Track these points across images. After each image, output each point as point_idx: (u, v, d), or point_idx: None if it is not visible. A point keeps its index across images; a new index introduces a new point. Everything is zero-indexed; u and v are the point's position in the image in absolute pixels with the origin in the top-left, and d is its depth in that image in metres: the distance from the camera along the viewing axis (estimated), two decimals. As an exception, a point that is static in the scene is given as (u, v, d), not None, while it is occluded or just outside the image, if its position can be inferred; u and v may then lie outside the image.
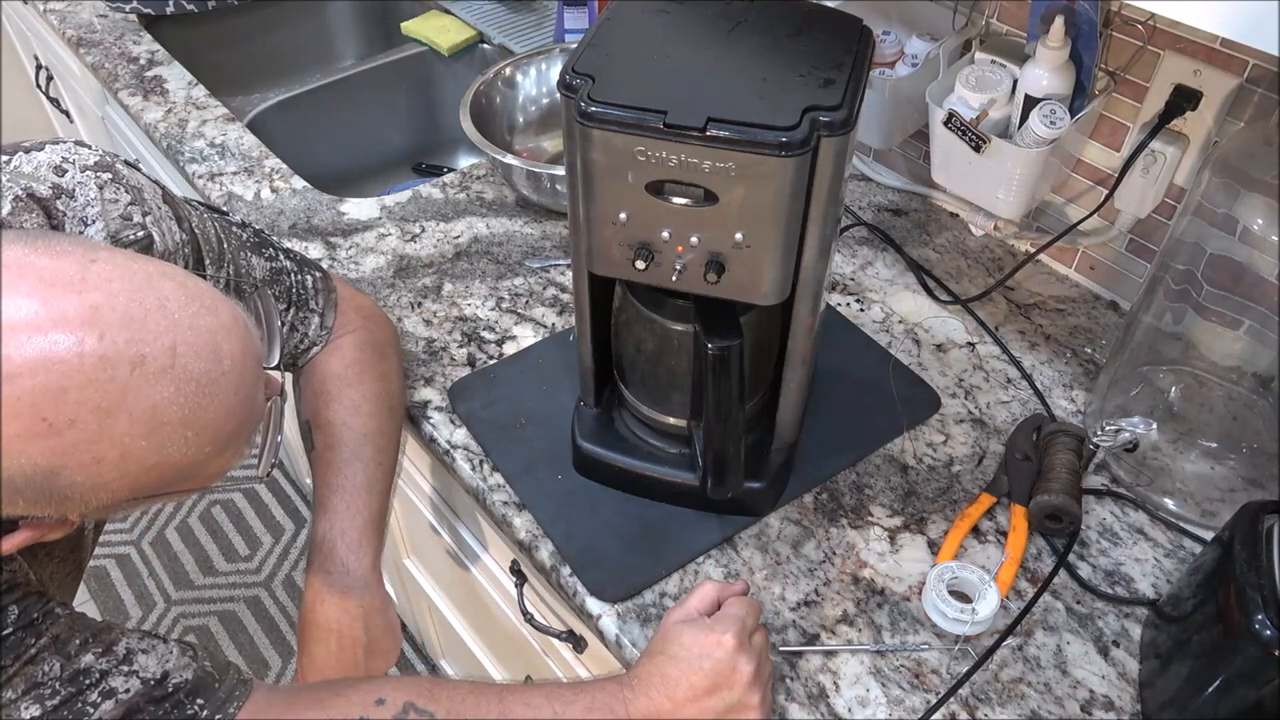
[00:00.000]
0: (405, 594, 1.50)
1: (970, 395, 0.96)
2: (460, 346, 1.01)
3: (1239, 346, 0.84)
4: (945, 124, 0.97)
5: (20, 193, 0.63)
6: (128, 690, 0.61)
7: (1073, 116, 0.92)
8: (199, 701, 0.63)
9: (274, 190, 1.22)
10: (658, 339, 0.78)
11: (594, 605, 0.79)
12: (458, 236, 1.15)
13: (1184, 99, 0.89)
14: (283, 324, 0.83)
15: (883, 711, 0.73)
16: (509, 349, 1.00)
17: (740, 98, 0.63)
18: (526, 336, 1.02)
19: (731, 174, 0.63)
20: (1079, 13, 0.89)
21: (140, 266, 0.54)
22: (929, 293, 1.08)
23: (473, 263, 1.11)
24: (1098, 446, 0.85)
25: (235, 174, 1.24)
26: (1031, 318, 1.05)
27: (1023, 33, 0.99)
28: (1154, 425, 0.83)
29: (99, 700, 0.60)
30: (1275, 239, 0.74)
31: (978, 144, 0.95)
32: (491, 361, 0.99)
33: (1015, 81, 0.95)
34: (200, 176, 1.24)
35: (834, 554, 0.83)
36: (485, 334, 1.02)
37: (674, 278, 0.69)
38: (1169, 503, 0.86)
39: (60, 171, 0.66)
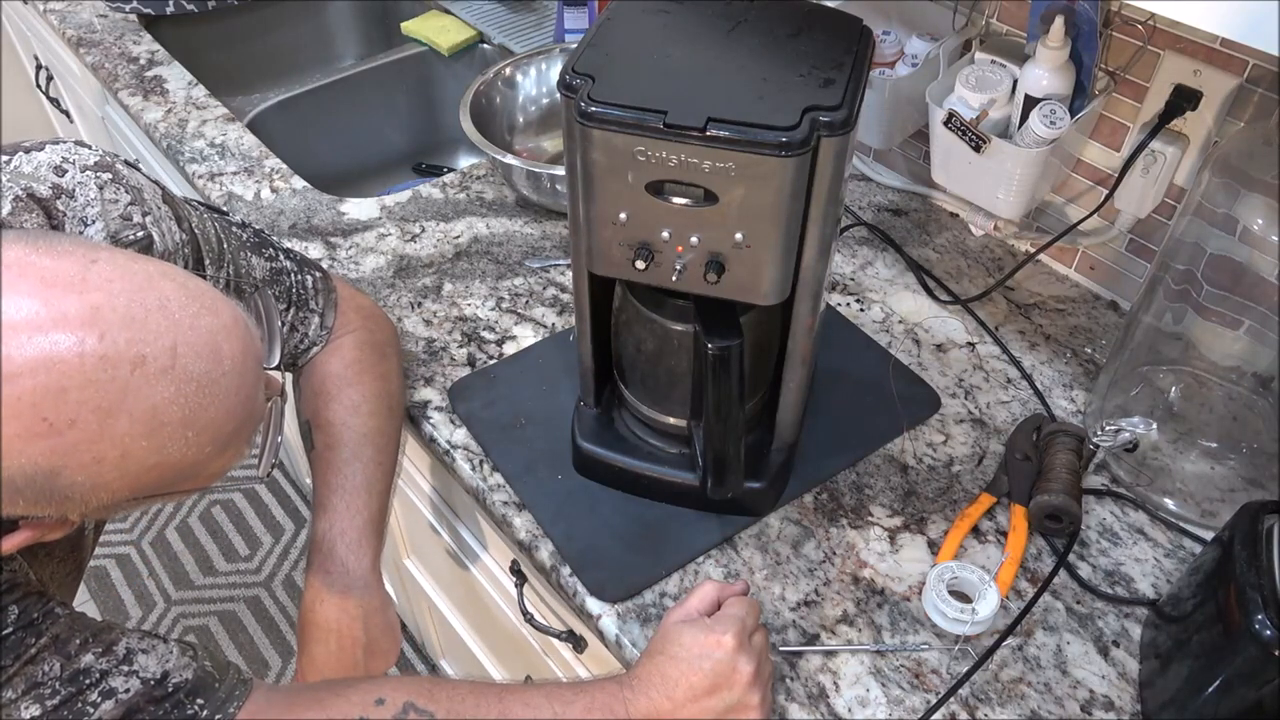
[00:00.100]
0: (405, 594, 1.50)
1: (970, 395, 0.96)
2: (460, 346, 1.01)
3: (1239, 346, 0.84)
4: (945, 124, 0.97)
5: (20, 193, 0.63)
6: (128, 690, 0.61)
7: (1073, 116, 0.92)
8: (199, 701, 0.63)
9: (274, 190, 1.22)
10: (658, 339, 0.78)
11: (594, 605, 0.79)
12: (458, 236, 1.15)
13: (1184, 99, 0.89)
14: (283, 324, 0.83)
15: (883, 711, 0.73)
16: (509, 349, 1.00)
17: (740, 98, 0.63)
18: (526, 336, 1.02)
19: (731, 174, 0.63)
20: (1079, 13, 0.89)
21: (141, 267, 0.54)
22: (929, 293, 1.08)
23: (473, 263, 1.11)
24: (1098, 446, 0.85)
25: (235, 174, 1.24)
26: (1031, 318, 1.05)
27: (1023, 33, 0.99)
28: (1154, 425, 0.83)
29: (99, 700, 0.60)
30: (1275, 239, 0.74)
31: (978, 144, 0.95)
32: (491, 361, 0.99)
33: (1015, 81, 0.95)
34: (200, 176, 1.24)
35: (834, 554, 0.83)
36: (485, 334, 1.02)
37: (674, 278, 0.69)
38: (1169, 503, 0.86)
39: (60, 172, 0.66)
